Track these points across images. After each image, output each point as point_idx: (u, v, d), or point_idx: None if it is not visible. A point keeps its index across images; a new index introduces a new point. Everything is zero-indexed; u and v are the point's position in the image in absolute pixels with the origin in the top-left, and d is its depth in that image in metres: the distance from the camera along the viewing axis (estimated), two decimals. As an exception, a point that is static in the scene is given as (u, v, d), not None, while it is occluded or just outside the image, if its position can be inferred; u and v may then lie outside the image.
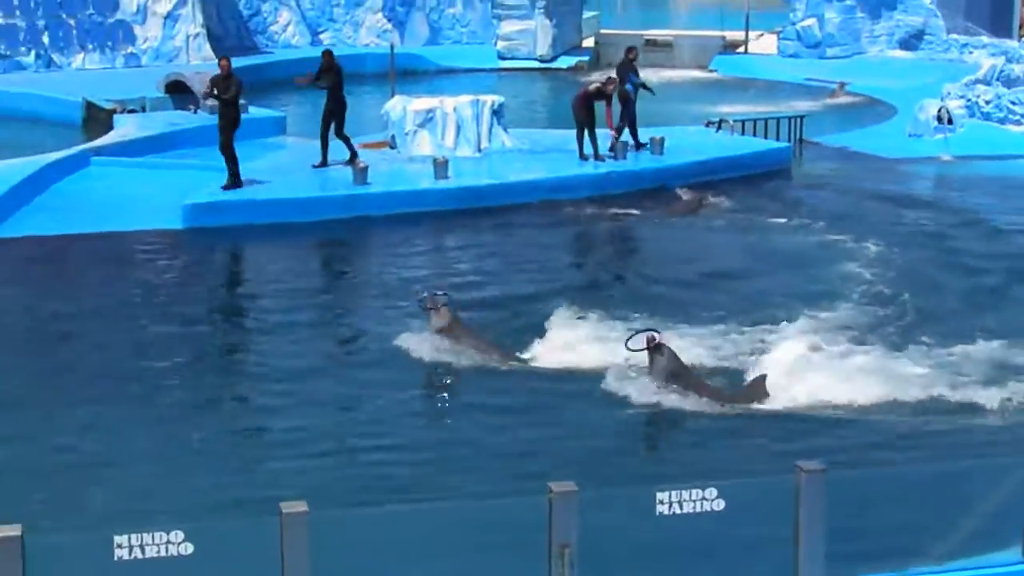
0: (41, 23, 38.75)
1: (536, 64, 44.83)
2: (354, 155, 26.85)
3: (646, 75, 29.61)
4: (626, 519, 9.75)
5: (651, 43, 44.79)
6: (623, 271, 22.44)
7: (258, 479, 13.95)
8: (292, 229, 23.95)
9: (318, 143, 27.06)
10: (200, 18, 40.56)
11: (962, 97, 32.45)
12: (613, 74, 29.49)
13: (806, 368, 16.33)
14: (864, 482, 11.32)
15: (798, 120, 32.30)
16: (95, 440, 14.92)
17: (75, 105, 33.59)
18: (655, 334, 16.16)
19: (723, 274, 21.42)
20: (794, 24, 44.60)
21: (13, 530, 8.23)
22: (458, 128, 28.42)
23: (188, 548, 8.29)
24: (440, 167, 25.98)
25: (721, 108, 34.97)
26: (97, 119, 32.30)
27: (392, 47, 37.47)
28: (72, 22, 39.11)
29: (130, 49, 39.79)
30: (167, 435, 15.05)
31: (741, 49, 46.51)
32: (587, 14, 49.60)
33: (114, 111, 31.86)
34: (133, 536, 8.24)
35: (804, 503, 9.25)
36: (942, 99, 32.46)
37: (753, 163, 29.07)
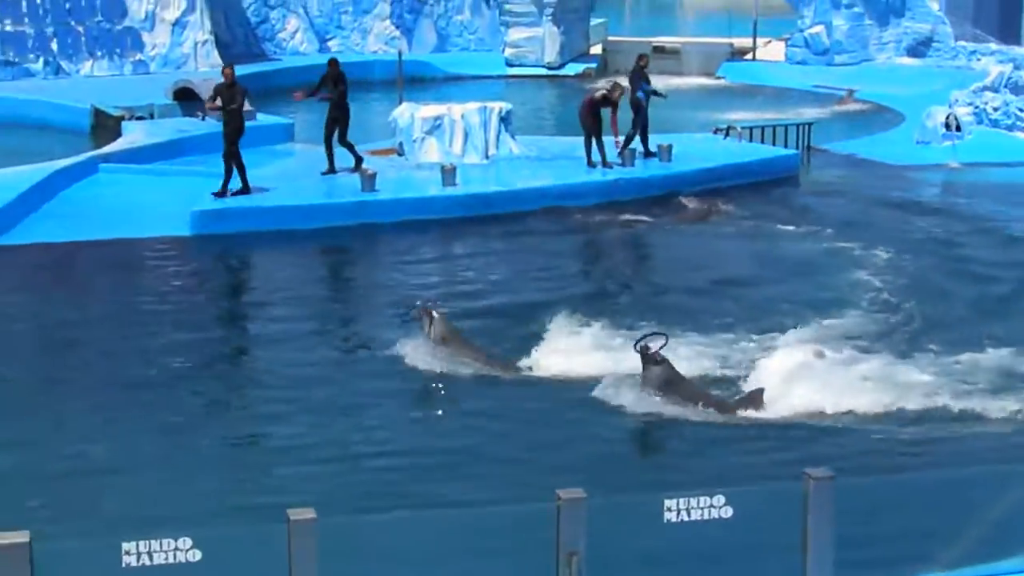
0: (50, 30, 38.82)
1: (544, 71, 44.80)
2: (359, 161, 26.87)
3: (655, 82, 29.57)
4: (634, 526, 9.74)
5: (659, 50, 44.66)
6: (630, 279, 22.43)
7: (256, 486, 13.99)
8: (300, 236, 23.95)
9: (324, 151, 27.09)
10: (208, 25, 40.61)
11: (970, 104, 32.42)
12: (618, 80, 29.52)
13: (807, 376, 16.29)
14: (872, 489, 11.31)
15: (806, 127, 32.27)
16: (102, 446, 14.93)
17: (83, 112, 33.63)
18: (659, 340, 16.10)
19: (731, 281, 21.39)
20: (802, 31, 44.56)
21: (21, 536, 8.23)
22: (466, 135, 28.43)
23: (196, 555, 8.30)
24: (448, 174, 25.99)
25: (729, 115, 34.95)
26: (105, 126, 32.33)
27: (400, 54, 37.55)
28: (80, 29, 39.17)
29: (138, 56, 39.84)
30: (173, 441, 15.07)
31: (749, 56, 46.47)
32: (595, 21, 49.57)
33: (122, 118, 31.89)
34: (141, 543, 8.24)
35: (812, 510, 9.24)
36: (950, 106, 32.42)
37: (761, 170, 29.04)
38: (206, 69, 38.25)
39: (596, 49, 48.21)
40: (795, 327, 18.26)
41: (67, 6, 38.94)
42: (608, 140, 27.49)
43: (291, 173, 27.60)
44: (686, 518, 8.94)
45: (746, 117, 34.72)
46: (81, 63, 39.19)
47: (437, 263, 22.99)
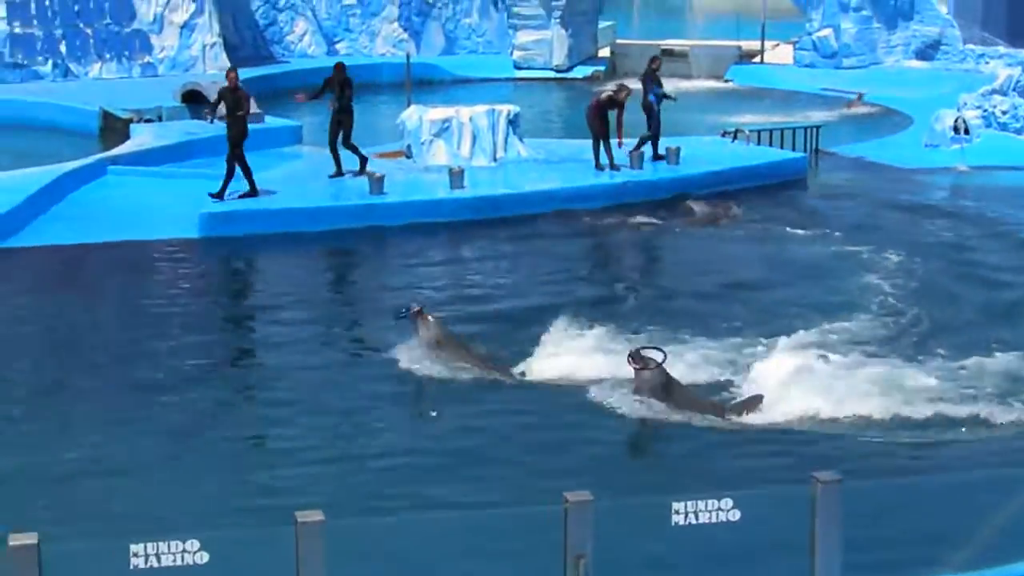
0: (58, 32, 38.86)
1: (552, 74, 44.81)
2: (364, 163, 26.90)
3: (664, 85, 29.52)
4: (642, 529, 9.75)
5: (667, 53, 44.62)
6: (638, 282, 22.44)
7: (256, 488, 14.02)
8: (308, 238, 23.97)
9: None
10: (216, 28, 40.63)
11: (979, 107, 32.39)
12: (626, 82, 29.52)
13: (807, 380, 16.22)
14: (879, 493, 11.30)
15: (814, 130, 32.27)
16: (109, 448, 14.95)
17: (92, 114, 33.67)
18: (656, 355, 16.10)
19: (740, 285, 21.36)
20: (810, 34, 44.56)
21: (30, 538, 8.25)
22: (474, 138, 28.44)
23: (204, 557, 8.31)
24: (456, 177, 25.99)
25: (737, 118, 34.94)
26: (114, 128, 32.36)
27: (408, 57, 37.48)
28: (89, 31, 39.21)
29: (147, 58, 39.87)
30: (180, 443, 15.10)
31: (757, 59, 46.45)
32: (603, 24, 49.58)
33: (131, 120, 31.93)
34: (149, 545, 8.26)
35: (820, 513, 9.24)
36: (958, 109, 32.40)
37: (769, 173, 29.03)
38: (214, 71, 38.26)
39: (604, 52, 48.21)
40: (797, 331, 18.22)
41: (76, 8, 38.99)
42: (615, 142, 27.48)
43: (299, 176, 27.63)
44: (694, 521, 8.94)
45: (754, 120, 34.70)
46: (90, 65, 39.22)
47: (445, 266, 22.99)
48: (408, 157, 28.62)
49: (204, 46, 40.31)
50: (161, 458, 14.71)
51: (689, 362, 17.07)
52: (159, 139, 30.00)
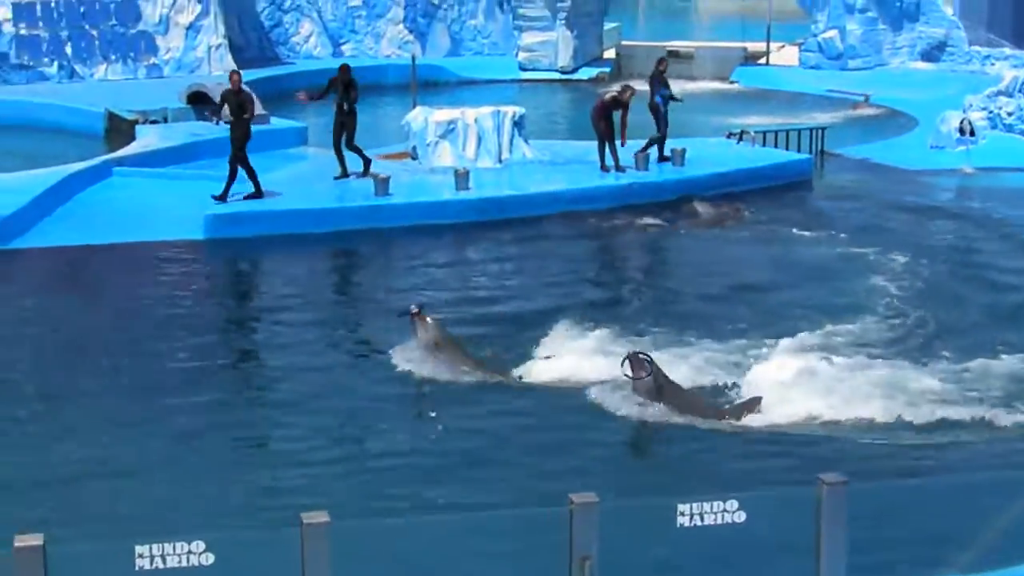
0: (64, 34, 38.90)
1: (557, 75, 44.83)
2: (367, 165, 26.92)
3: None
4: (647, 531, 9.74)
5: (672, 54, 44.63)
6: (644, 284, 22.44)
7: (257, 489, 14.06)
8: (313, 240, 23.97)
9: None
10: (222, 29, 40.66)
11: (984, 109, 32.37)
12: (630, 83, 29.53)
13: (808, 382, 16.20)
14: (884, 494, 11.29)
15: (819, 132, 32.26)
16: (114, 450, 14.96)
17: (97, 116, 33.69)
18: (640, 354, 16.10)
19: (746, 287, 21.34)
20: (816, 36, 44.55)
21: (35, 539, 8.26)
22: (479, 139, 28.44)
23: (209, 558, 8.32)
24: (461, 178, 26.00)
25: (742, 119, 34.91)
26: (119, 130, 32.39)
27: (413, 58, 37.55)
28: (95, 33, 39.24)
29: (152, 60, 39.91)
30: (184, 445, 15.13)
31: (762, 60, 46.46)
32: (608, 25, 49.60)
33: (136, 122, 31.94)
34: (154, 546, 8.26)
35: (825, 515, 9.23)
36: (964, 111, 32.38)
37: (774, 175, 29.02)
38: (220, 73, 38.24)
39: (610, 53, 48.21)
40: (800, 333, 18.20)
41: (81, 10, 39.03)
42: (619, 142, 27.48)
43: (304, 177, 27.65)
44: (699, 523, 8.94)
45: (759, 121, 34.66)
46: (95, 67, 39.26)
47: (450, 268, 22.98)
48: (413, 158, 28.63)
49: (209, 47, 40.34)
50: (166, 459, 14.73)
51: (694, 364, 17.06)
52: (164, 140, 30.01)
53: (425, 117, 28.81)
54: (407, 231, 24.59)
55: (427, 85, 39.53)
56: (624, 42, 49.61)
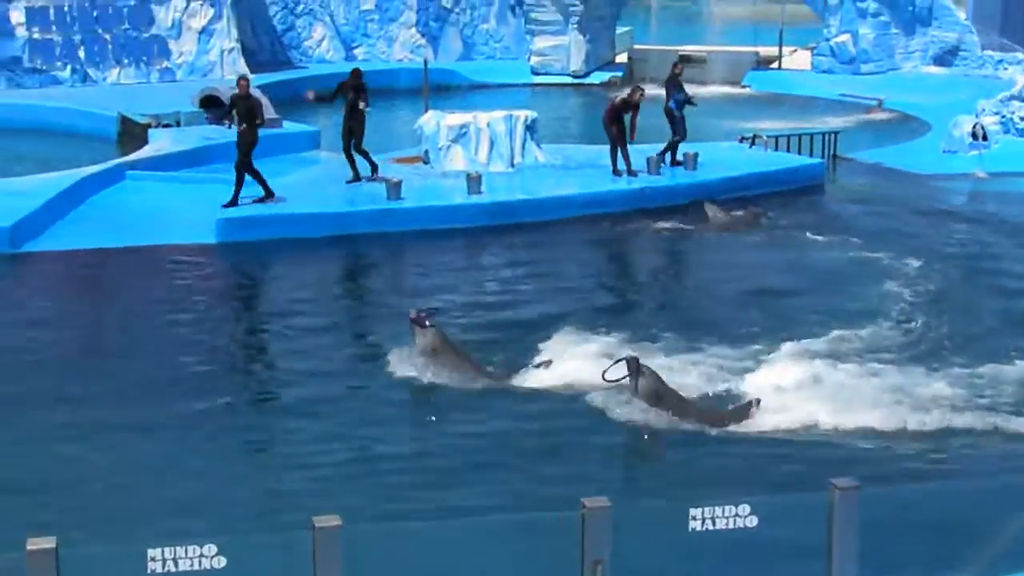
0: (77, 38, 38.98)
1: (569, 79, 44.87)
2: (375, 169, 26.94)
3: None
4: (659, 535, 9.74)
5: (685, 59, 44.68)
6: (656, 288, 22.42)
7: (258, 493, 14.11)
8: (325, 243, 24.00)
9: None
10: (235, 33, 40.74)
11: (997, 113, 32.34)
12: (639, 85, 29.56)
13: (812, 387, 16.15)
14: (896, 499, 11.27)
15: (832, 136, 32.25)
16: (124, 452, 14.99)
17: (110, 119, 33.77)
18: (635, 357, 16.11)
19: (759, 291, 21.27)
20: (828, 40, 44.53)
21: (48, 543, 8.27)
22: (491, 143, 28.46)
23: (221, 561, 8.32)
24: (473, 182, 26.01)
25: (754, 124, 34.93)
26: (132, 133, 32.45)
27: (426, 62, 37.59)
28: (108, 37, 39.33)
29: (165, 64, 40.00)
30: (193, 447, 15.16)
31: (775, 65, 46.47)
32: (620, 30, 49.62)
33: (149, 125, 32.00)
34: (167, 549, 8.27)
35: (837, 520, 9.23)
36: (977, 115, 32.35)
37: (786, 179, 29.02)
38: (232, 77, 38.23)
39: (622, 58, 48.27)
40: (807, 337, 18.17)
41: (94, 14, 39.13)
42: (633, 148, 27.47)
43: (316, 181, 27.68)
44: (711, 527, 8.93)
45: (772, 126, 34.68)
46: (108, 71, 39.35)
47: (461, 272, 22.96)
48: (426, 163, 28.65)
49: (222, 51, 40.42)
50: (175, 463, 14.73)
51: (705, 369, 17.03)
52: (177, 144, 30.06)
53: (437, 121, 28.84)
54: (419, 235, 24.60)
55: (439, 89, 39.58)
56: (636, 46, 49.66)
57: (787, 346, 17.75)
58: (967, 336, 18.84)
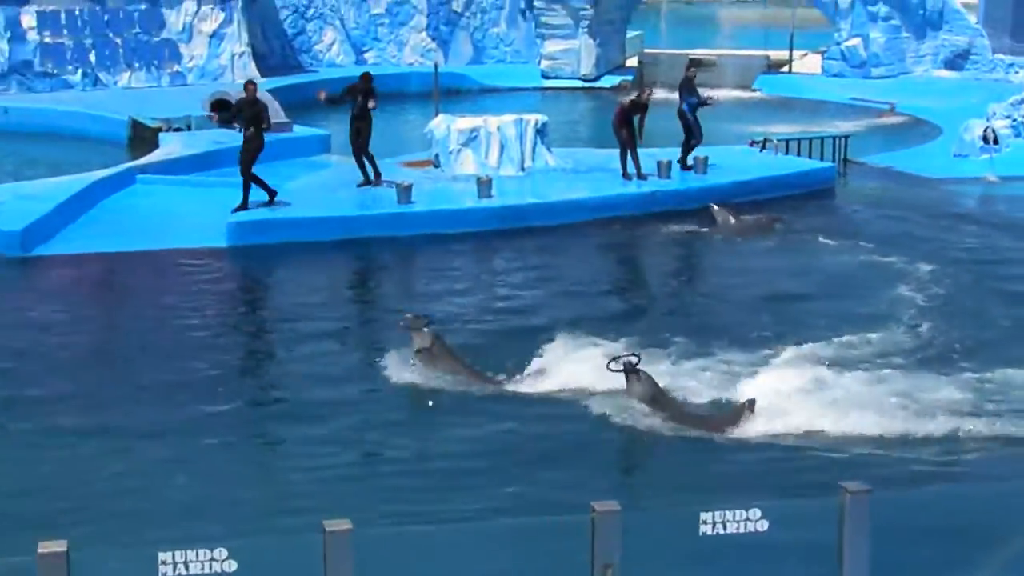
0: (88, 42, 39.02)
1: (580, 83, 44.84)
2: (378, 176, 26.92)
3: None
4: (669, 539, 9.73)
5: (695, 62, 44.64)
6: (666, 292, 22.40)
7: (261, 496, 14.15)
8: (336, 247, 24.01)
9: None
10: (245, 37, 40.76)
11: (1008, 117, 32.28)
12: (651, 87, 29.58)
13: (814, 391, 16.07)
14: (908, 503, 11.25)
15: (842, 140, 32.21)
16: (132, 456, 15.01)
17: (121, 123, 33.82)
18: (633, 358, 16.09)
19: (770, 296, 21.23)
20: (839, 44, 44.46)
21: (59, 546, 8.27)
22: (502, 147, 28.45)
23: (232, 565, 8.32)
24: (484, 186, 26.01)
25: (765, 127, 34.88)
26: (143, 137, 32.48)
27: (436, 66, 37.56)
28: (118, 41, 39.36)
29: (176, 68, 40.03)
30: (198, 449, 15.19)
31: (785, 68, 46.40)
32: (631, 33, 49.57)
33: (159, 129, 32.04)
34: (177, 552, 8.27)
35: (848, 524, 9.21)
36: (988, 119, 32.29)
37: (797, 183, 28.98)
38: (243, 81, 38.35)
39: (632, 61, 48.20)
40: (811, 342, 18.12)
41: (105, 18, 39.16)
42: (643, 151, 27.46)
43: (327, 185, 27.69)
44: (722, 531, 8.92)
45: (782, 129, 34.65)
46: (119, 75, 39.38)
47: (471, 276, 22.96)
48: (436, 166, 28.65)
49: (233, 55, 40.44)
50: (185, 466, 14.75)
51: (713, 373, 17.01)
52: (188, 148, 30.07)
53: (448, 125, 28.83)
54: (429, 239, 24.61)
55: (449, 93, 39.55)
56: (647, 50, 49.58)
57: (795, 350, 17.72)
58: (978, 341, 18.79)
